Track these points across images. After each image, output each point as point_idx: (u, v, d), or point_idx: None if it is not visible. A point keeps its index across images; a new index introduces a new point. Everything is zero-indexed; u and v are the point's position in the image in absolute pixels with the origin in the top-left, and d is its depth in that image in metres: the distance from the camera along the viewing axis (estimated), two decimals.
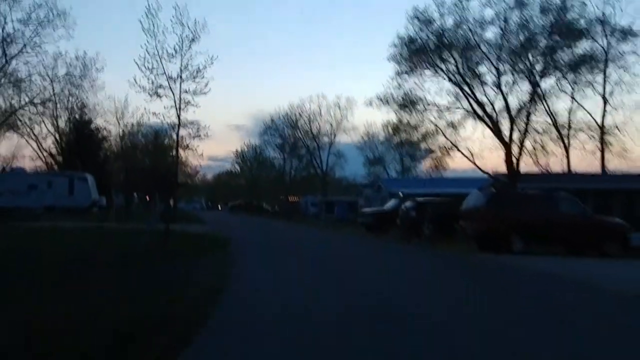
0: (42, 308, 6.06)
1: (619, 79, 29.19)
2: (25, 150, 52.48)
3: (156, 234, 16.08)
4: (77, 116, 48.24)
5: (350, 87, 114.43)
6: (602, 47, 27.73)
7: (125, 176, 52.72)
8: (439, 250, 18.02)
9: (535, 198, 18.14)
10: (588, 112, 31.90)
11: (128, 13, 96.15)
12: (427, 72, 25.22)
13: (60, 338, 4.89)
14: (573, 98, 30.57)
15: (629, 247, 17.34)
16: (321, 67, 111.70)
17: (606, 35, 27.70)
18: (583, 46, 25.48)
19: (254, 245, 18.20)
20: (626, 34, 26.89)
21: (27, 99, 40.17)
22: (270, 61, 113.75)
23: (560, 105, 35.10)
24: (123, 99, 51.56)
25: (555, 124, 27.14)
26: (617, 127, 33.04)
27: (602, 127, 33.51)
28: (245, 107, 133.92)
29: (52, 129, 46.66)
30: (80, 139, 47.34)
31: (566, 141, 31.40)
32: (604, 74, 30.03)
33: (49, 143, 47.59)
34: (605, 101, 32.42)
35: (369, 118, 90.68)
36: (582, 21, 24.92)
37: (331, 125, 61.85)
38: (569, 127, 31.01)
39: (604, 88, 30.78)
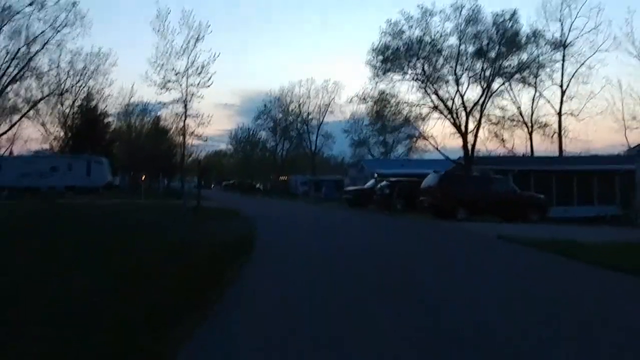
0: (177, 236, 11.34)
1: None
2: (25, 132, 56.38)
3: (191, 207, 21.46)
4: (85, 103, 52.71)
5: (338, 70, 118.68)
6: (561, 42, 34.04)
7: (130, 158, 57.55)
8: (403, 218, 23.42)
9: (474, 179, 23.65)
10: (548, 101, 38.17)
11: (139, 14, 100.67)
12: (398, 75, 30.53)
13: (196, 248, 10.17)
14: (536, 89, 36.64)
15: (546, 216, 22.84)
16: (309, 48, 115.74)
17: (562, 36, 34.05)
18: (523, 55, 30.97)
19: (260, 216, 23.44)
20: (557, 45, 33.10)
21: (47, 91, 44.73)
22: (259, 41, 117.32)
23: (525, 96, 41.37)
24: (129, 90, 56.21)
25: (503, 116, 32.58)
26: (572, 113, 39.20)
27: (559, 114, 39.57)
28: (234, 86, 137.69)
29: (60, 114, 50.55)
30: (88, 123, 51.85)
31: (529, 128, 37.59)
32: (562, 68, 36.29)
33: (56, 127, 50.95)
34: (562, 92, 38.58)
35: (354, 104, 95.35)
36: (523, 33, 30.49)
37: (320, 108, 66.86)
38: (532, 115, 37.23)
39: (562, 81, 36.98)
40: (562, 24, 38.30)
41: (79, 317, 5.11)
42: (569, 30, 38.36)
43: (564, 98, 38.92)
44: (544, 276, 8.66)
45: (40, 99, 44.75)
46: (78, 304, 5.65)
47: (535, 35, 30.48)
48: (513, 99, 35.43)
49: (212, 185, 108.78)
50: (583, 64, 37.79)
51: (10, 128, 45.87)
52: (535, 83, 34.82)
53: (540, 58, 31.18)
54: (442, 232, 16.80)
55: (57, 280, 6.80)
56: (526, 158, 34.35)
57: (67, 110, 50.25)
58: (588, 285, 7.95)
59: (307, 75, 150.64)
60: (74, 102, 50.60)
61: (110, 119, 56.69)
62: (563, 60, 37.30)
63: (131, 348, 4.27)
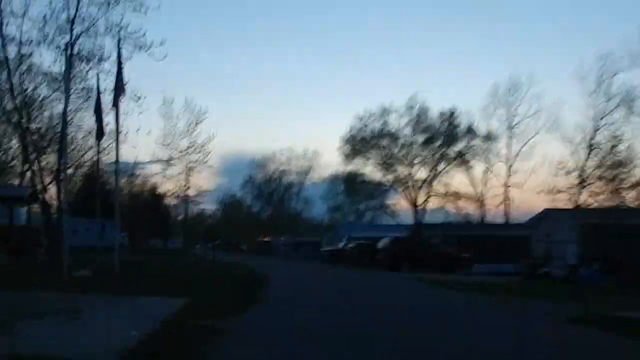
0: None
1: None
2: None
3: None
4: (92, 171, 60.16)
5: (313, 136, 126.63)
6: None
7: (130, 221, 64.78)
8: (366, 270, 31.16)
9: (416, 242, 31.64)
10: (495, 175, 46.89)
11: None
12: (363, 160, 39.20)
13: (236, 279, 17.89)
14: (487, 165, 45.29)
15: (470, 270, 30.75)
16: (285, 112, 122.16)
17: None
18: (461, 144, 39.96)
19: (255, 267, 30.97)
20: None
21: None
22: (242, 106, 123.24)
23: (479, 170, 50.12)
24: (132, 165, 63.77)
25: (446, 192, 41.16)
26: (516, 186, 47.87)
27: (506, 185, 48.29)
28: (213, 147, 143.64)
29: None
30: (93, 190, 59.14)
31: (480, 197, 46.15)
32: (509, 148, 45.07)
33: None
34: (508, 167, 47.32)
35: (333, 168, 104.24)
36: (462, 129, 39.62)
37: (299, 175, 75.22)
38: (484, 186, 45.89)
39: (508, 158, 45.88)
40: (507, 110, 47.40)
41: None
42: (513, 115, 47.52)
43: (510, 172, 47.76)
44: (429, 293, 16.56)
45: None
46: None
47: (470, 130, 39.55)
48: (467, 176, 44.03)
49: (197, 245, 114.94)
50: (526, 143, 46.56)
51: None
52: (468, 167, 43.55)
53: (474, 148, 40.16)
54: (386, 278, 24.63)
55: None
56: (462, 224, 42.80)
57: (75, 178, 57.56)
58: (446, 298, 15.86)
59: (284, 138, 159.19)
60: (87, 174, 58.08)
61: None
62: (510, 140, 46.15)
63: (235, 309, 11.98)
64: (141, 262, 26.20)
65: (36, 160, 24.70)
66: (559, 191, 30.05)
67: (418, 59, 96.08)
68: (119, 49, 18.39)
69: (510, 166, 48.13)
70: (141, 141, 66.71)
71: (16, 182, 42.87)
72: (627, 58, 37.28)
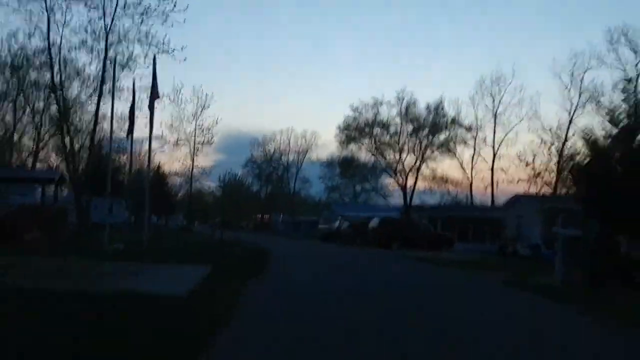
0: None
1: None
2: None
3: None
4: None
5: (315, 118, 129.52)
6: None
7: (136, 200, 68.07)
8: (359, 248, 34.44)
9: (404, 222, 34.89)
10: (484, 159, 50.05)
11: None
12: (357, 145, 42.37)
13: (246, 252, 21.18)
14: (475, 149, 48.38)
15: (452, 248, 34.10)
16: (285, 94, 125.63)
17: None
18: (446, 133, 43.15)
19: (258, 243, 34.24)
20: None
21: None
22: (239, 83, 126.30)
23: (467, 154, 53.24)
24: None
25: (434, 176, 44.42)
26: (502, 169, 51.04)
27: (492, 170, 51.50)
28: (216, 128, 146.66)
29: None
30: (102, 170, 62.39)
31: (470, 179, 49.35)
32: (494, 135, 48.16)
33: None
34: (494, 153, 50.44)
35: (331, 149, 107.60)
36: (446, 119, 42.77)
37: (298, 155, 78.32)
38: (472, 169, 49.04)
39: (494, 144, 48.84)
40: (493, 99, 50.55)
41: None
42: (499, 103, 50.65)
43: (495, 157, 50.96)
44: (414, 267, 19.85)
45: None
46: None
47: (454, 121, 42.74)
48: (455, 161, 47.29)
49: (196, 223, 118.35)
50: (510, 130, 49.72)
51: None
52: (453, 153, 46.77)
53: (457, 137, 43.40)
54: (378, 254, 27.95)
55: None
56: (448, 207, 46.13)
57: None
58: (425, 269, 19.12)
59: (284, 119, 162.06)
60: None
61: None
62: (495, 127, 49.36)
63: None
64: (159, 238, 29.33)
65: (71, 148, 27.83)
66: (520, 180, 33.26)
67: (411, 53, 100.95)
68: (155, 60, 21.25)
69: (495, 152, 51.50)
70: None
71: (29, 159, 45.87)
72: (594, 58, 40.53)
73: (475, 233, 38.43)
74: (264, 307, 9.27)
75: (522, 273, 16.27)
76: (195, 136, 34.94)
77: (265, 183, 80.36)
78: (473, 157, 49.70)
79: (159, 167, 68.91)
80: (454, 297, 11.76)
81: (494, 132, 49.53)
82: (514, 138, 49.96)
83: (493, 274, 17.03)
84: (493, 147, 51.43)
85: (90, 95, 28.98)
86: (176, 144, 34.85)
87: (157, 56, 25.49)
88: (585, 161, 16.24)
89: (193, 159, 35.10)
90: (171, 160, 37.04)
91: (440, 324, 8.23)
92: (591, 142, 15.75)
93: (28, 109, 35.50)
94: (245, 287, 10.96)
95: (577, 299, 11.22)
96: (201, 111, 34.98)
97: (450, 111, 43.06)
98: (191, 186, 38.25)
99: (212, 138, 34.87)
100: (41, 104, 34.03)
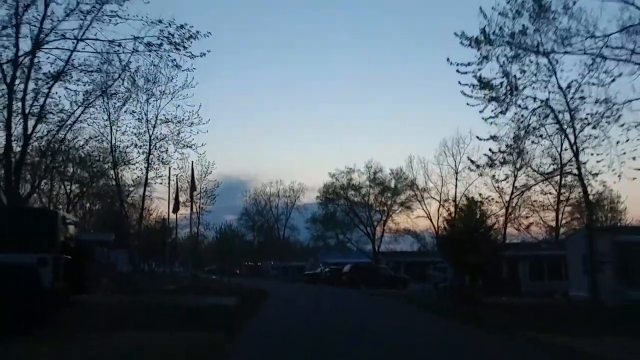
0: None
1: None
2: None
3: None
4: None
5: (302, 173, 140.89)
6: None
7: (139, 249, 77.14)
8: (335, 287, 43.92)
9: (370, 267, 44.76)
10: (447, 210, 60.21)
11: None
12: (335, 204, 52.42)
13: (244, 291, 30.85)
14: (440, 203, 58.52)
15: (407, 288, 43.69)
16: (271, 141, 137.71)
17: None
18: (408, 192, 53.51)
19: (256, 285, 43.56)
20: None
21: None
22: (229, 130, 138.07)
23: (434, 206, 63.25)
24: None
25: (397, 228, 54.48)
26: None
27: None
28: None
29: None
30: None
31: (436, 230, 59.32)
32: (456, 190, 58.35)
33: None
34: (455, 207, 60.58)
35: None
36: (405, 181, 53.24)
37: (287, 204, 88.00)
38: (438, 218, 58.96)
39: (455, 200, 58.95)
40: (454, 159, 60.88)
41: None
42: (459, 163, 60.84)
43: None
44: (366, 299, 29.58)
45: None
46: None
47: (411, 184, 53.22)
48: (425, 211, 57.47)
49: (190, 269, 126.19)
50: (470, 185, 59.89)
51: None
52: (411, 211, 56.99)
53: (415, 197, 53.80)
54: (346, 292, 37.58)
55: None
56: (410, 252, 56.04)
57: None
58: (377, 301, 28.86)
59: (273, 169, 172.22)
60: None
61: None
62: (456, 184, 59.75)
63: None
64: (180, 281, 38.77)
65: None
66: None
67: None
68: (193, 167, 31.31)
69: (457, 204, 61.72)
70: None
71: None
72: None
73: (428, 275, 48.13)
74: (272, 309, 19.05)
75: (419, 296, 26.17)
76: (200, 198, 44.64)
77: (258, 234, 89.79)
78: (439, 209, 59.79)
79: (164, 221, 78.79)
80: (377, 309, 21.46)
81: (456, 187, 59.98)
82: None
83: (407, 299, 26.79)
84: (455, 200, 61.75)
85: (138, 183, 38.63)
86: (184, 205, 44.01)
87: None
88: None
89: (198, 220, 44.80)
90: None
91: (363, 317, 18.04)
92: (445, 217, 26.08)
93: None
94: (259, 303, 20.76)
95: (440, 310, 21.06)
96: (204, 177, 44.94)
97: (411, 175, 53.67)
98: (196, 245, 47.20)
99: (214, 199, 45.24)
100: None
